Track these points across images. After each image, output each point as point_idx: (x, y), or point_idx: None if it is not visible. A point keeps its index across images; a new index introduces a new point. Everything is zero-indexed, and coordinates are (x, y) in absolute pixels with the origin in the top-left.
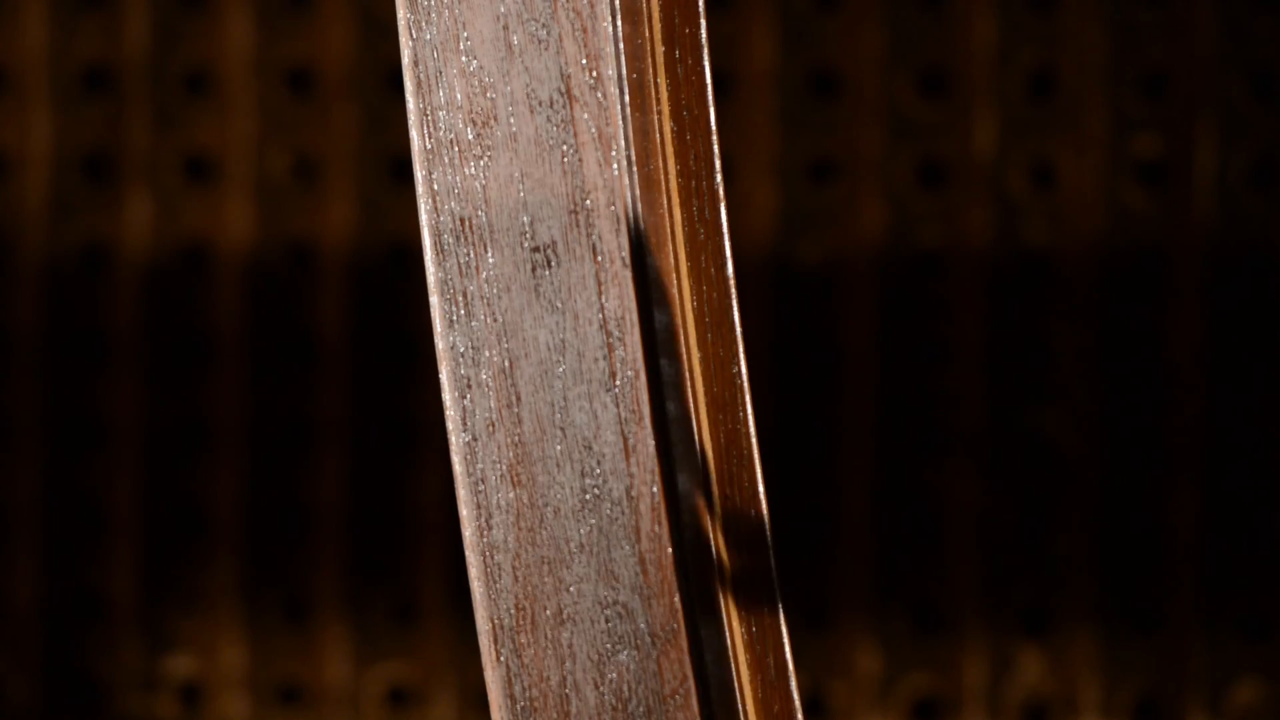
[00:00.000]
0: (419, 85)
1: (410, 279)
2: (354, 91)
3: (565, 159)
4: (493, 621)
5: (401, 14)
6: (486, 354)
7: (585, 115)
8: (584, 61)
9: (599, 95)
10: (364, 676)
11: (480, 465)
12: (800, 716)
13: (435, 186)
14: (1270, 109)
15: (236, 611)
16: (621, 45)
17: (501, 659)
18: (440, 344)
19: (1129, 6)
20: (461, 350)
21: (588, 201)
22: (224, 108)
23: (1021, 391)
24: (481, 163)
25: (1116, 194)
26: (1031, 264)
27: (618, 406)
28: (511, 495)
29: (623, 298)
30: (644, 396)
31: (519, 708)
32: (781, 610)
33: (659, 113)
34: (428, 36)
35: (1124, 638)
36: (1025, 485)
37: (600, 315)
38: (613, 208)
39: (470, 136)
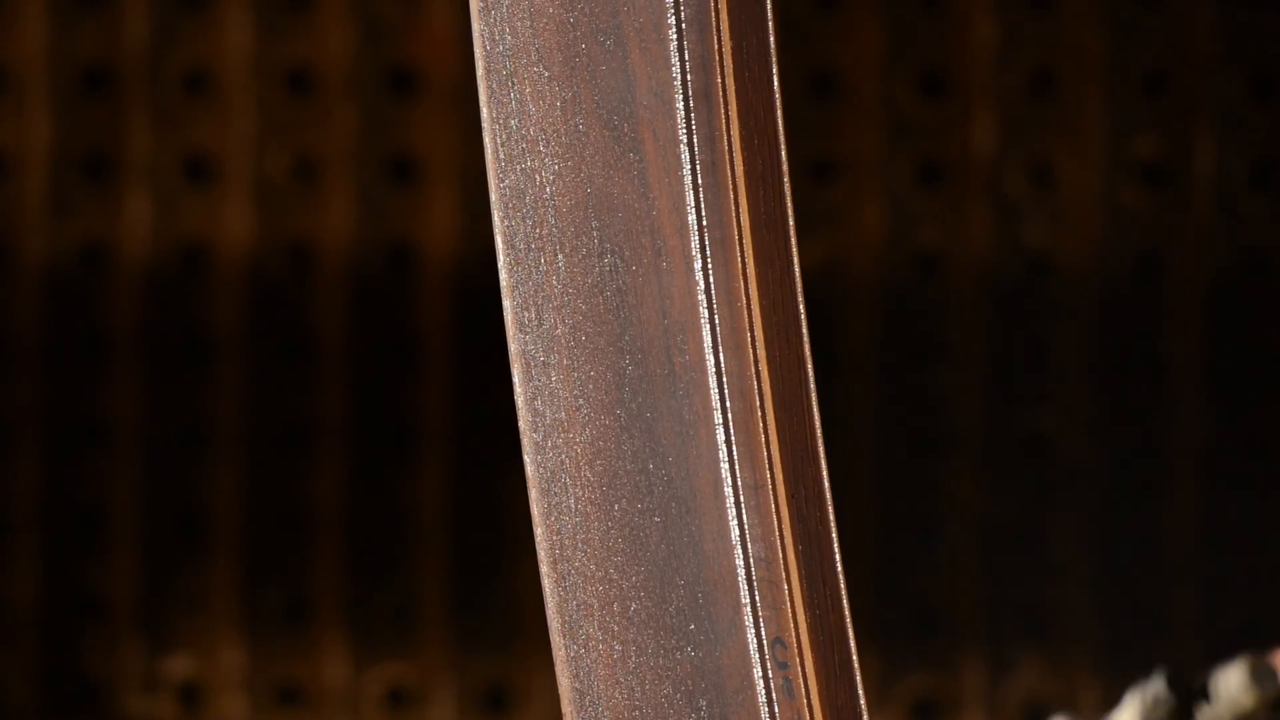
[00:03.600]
0: (491, 95)
1: (409, 279)
2: (354, 92)
3: (633, 167)
4: (562, 616)
5: (476, 25)
6: (556, 357)
7: (651, 123)
8: (650, 70)
9: (664, 103)
10: (363, 677)
11: (550, 463)
12: (865, 711)
13: (507, 194)
14: (1270, 109)
15: (236, 612)
16: (688, 54)
17: (570, 654)
18: (512, 347)
19: (1129, 6)
20: (532, 354)
21: (654, 209)
22: (224, 108)
23: (1021, 391)
24: (552, 171)
25: (1116, 194)
26: (1031, 264)
27: (682, 406)
28: (580, 493)
29: (688, 302)
30: (708, 396)
31: (586, 701)
32: (846, 605)
33: (726, 120)
34: (500, 47)
35: (1123, 638)
36: (1025, 485)
37: (665, 319)
38: (679, 214)
39: (541, 145)
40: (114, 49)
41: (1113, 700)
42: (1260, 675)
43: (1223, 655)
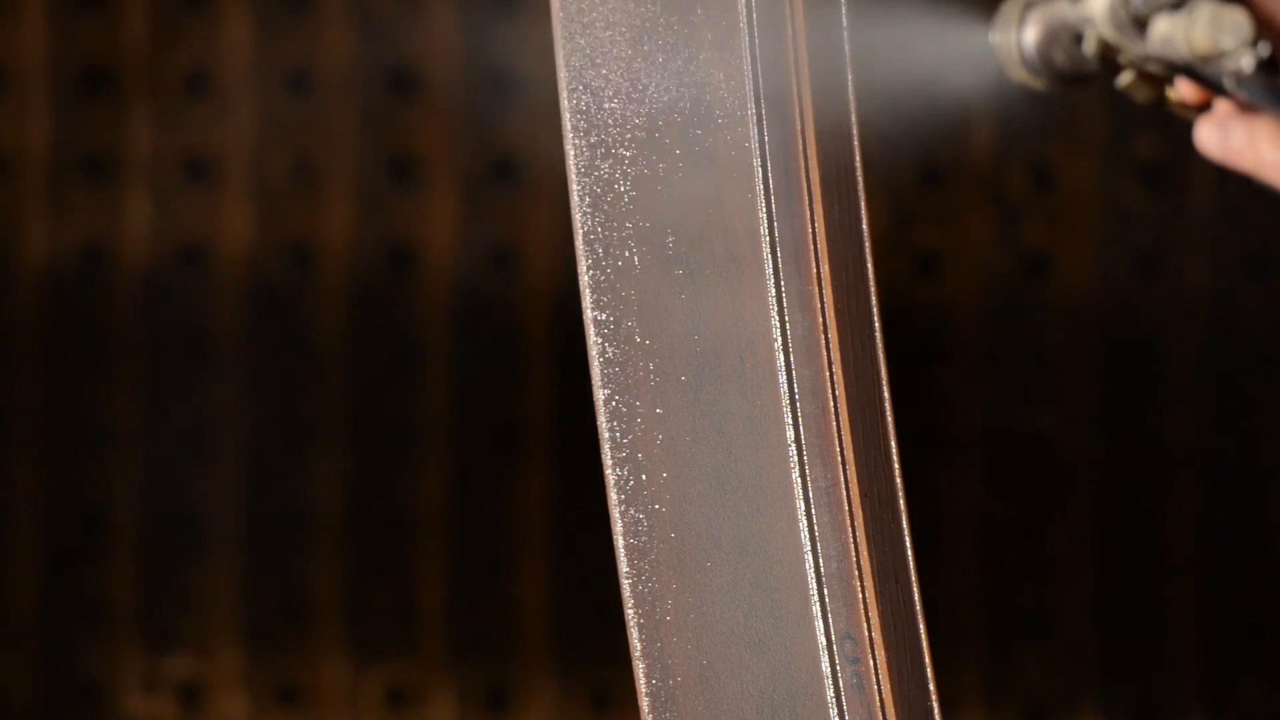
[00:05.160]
0: (571, 103)
1: (409, 279)
2: (354, 92)
3: (706, 175)
4: (639, 615)
5: (557, 30)
6: (633, 355)
7: (725, 127)
8: (723, 77)
9: (737, 112)
10: (363, 677)
11: (627, 465)
12: (936, 706)
13: (586, 199)
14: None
15: (236, 612)
16: (760, 64)
17: (647, 651)
18: (591, 349)
19: None
20: (610, 355)
21: (726, 215)
22: (224, 108)
23: (1021, 391)
24: (629, 176)
25: (1116, 194)
26: (1031, 264)
27: (753, 408)
28: (655, 489)
29: (759, 305)
30: (778, 398)
31: (661, 697)
32: (919, 600)
33: (802, 128)
34: (577, 57)
35: (1123, 638)
36: (1025, 485)
37: (737, 322)
38: (750, 221)
39: (619, 150)
40: (114, 49)
41: (1112, 700)
42: (1225, 27)
43: (1223, 656)
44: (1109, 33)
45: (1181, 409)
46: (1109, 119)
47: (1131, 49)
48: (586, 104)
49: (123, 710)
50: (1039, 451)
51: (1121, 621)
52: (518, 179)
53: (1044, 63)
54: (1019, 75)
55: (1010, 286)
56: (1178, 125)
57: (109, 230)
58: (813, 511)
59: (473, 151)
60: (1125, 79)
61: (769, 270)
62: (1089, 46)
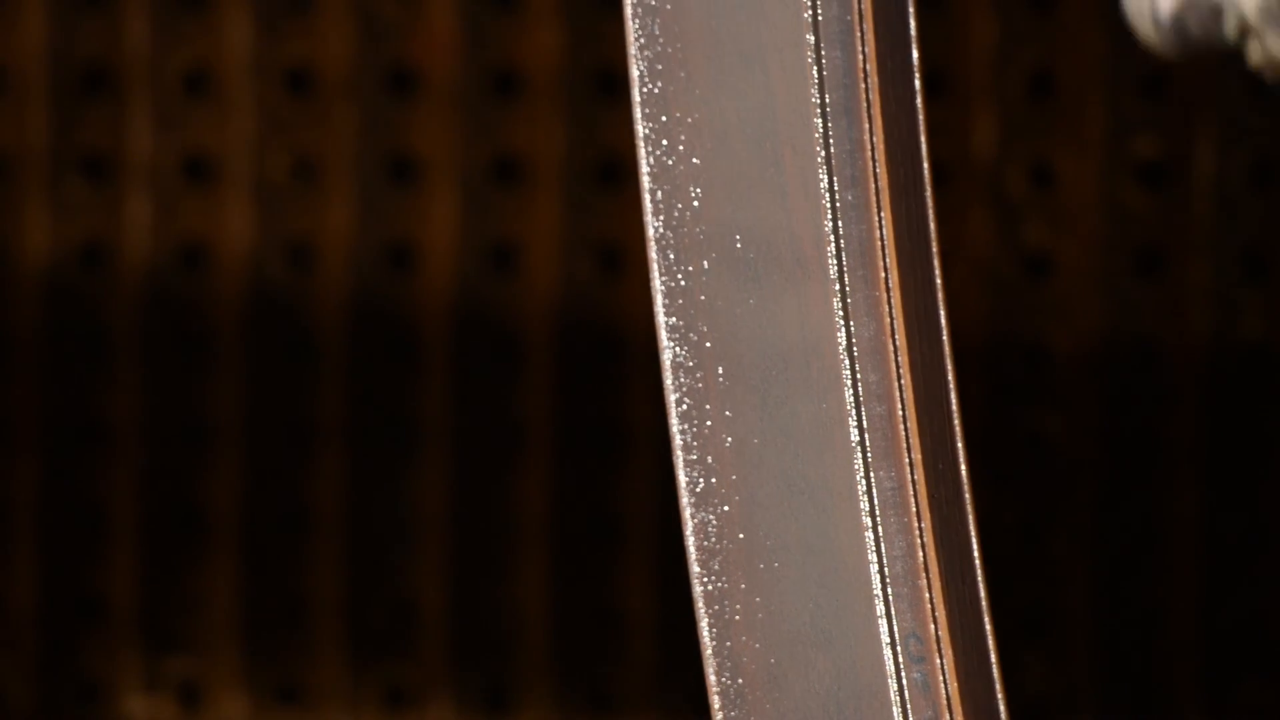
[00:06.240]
0: (644, 112)
1: (409, 279)
2: (354, 92)
3: (773, 181)
4: (709, 613)
5: (630, 41)
6: (701, 363)
7: (791, 139)
8: (788, 87)
9: (802, 119)
10: (363, 677)
11: (695, 459)
12: (1003, 707)
13: (660, 205)
14: (1270, 109)
15: (236, 612)
16: (827, 72)
17: (717, 650)
18: (664, 353)
19: None
20: (681, 360)
21: (792, 221)
22: (224, 108)
23: (1021, 392)
24: (700, 182)
25: (1116, 194)
26: (1031, 264)
27: (819, 411)
28: (725, 491)
29: (824, 310)
30: (843, 401)
31: (730, 695)
32: (985, 602)
33: (870, 135)
34: (645, 64)
35: (1123, 638)
36: (1025, 485)
37: (803, 327)
38: (815, 226)
39: (691, 158)
40: (114, 49)
41: (1112, 700)
42: None
43: (1222, 656)
44: (1255, 21)
45: (1182, 409)
46: (1109, 119)
47: (1273, 44)
48: (667, 121)
49: (123, 710)
50: (1039, 451)
51: (1121, 621)
52: (518, 179)
53: (1176, 30)
54: (1146, 34)
55: (1009, 287)
56: (1178, 125)
57: (109, 230)
58: (878, 512)
59: (473, 151)
60: (1257, 58)
61: (834, 275)
62: (1229, 26)
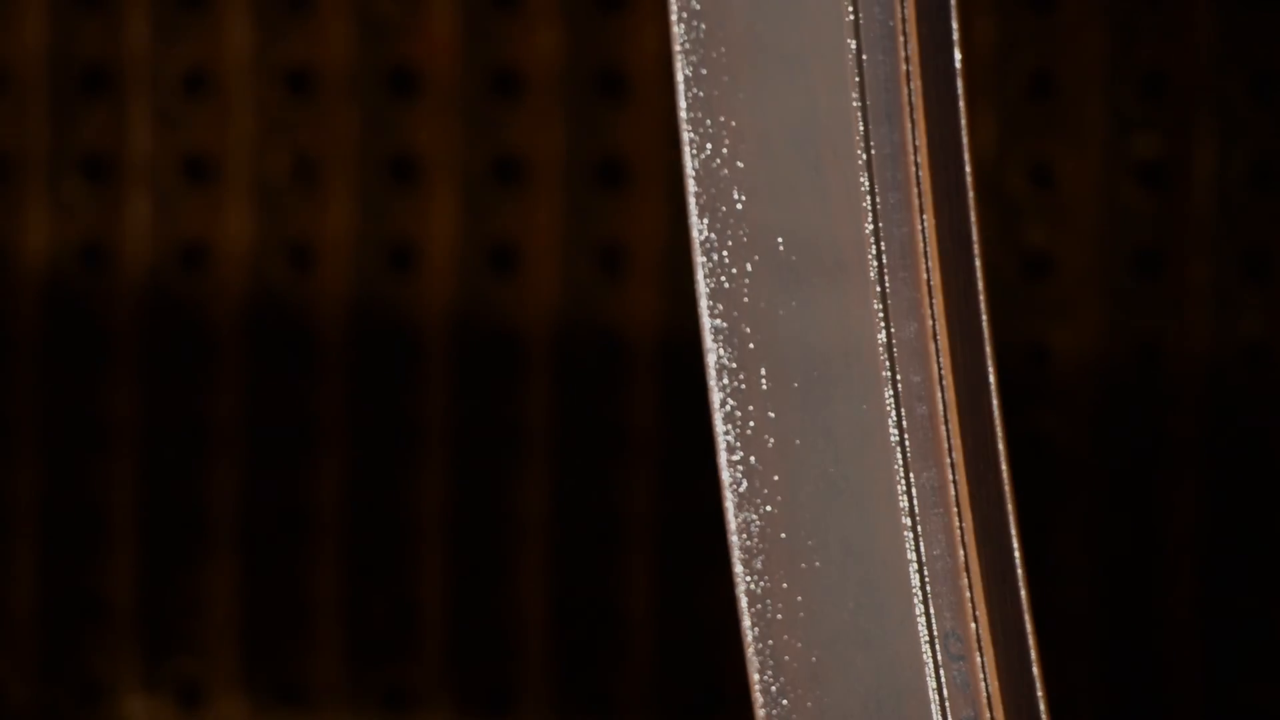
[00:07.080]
0: (690, 116)
1: (409, 279)
2: (354, 92)
3: (813, 183)
4: (752, 617)
5: (675, 46)
6: (744, 364)
7: (831, 142)
8: (827, 90)
9: (842, 122)
10: (363, 677)
11: (738, 460)
12: (1044, 707)
13: (705, 208)
14: (1270, 109)
15: (236, 612)
16: (868, 75)
17: (759, 649)
18: (708, 355)
19: (1129, 6)
20: (724, 361)
21: (833, 224)
22: (224, 108)
23: (1021, 392)
24: (743, 186)
25: (1116, 194)
26: (1031, 264)
27: (859, 412)
28: (767, 492)
29: (864, 311)
30: (882, 401)
31: (771, 693)
32: (1026, 602)
33: (913, 138)
34: (690, 68)
35: (1123, 637)
36: (1025, 485)
37: (843, 328)
38: (855, 229)
39: (735, 161)
40: (114, 49)
41: (1111, 700)
42: None
43: (1222, 655)
44: None
45: (1182, 409)
46: (1109, 119)
47: None
48: (711, 125)
49: (123, 711)
50: (1039, 451)
51: (1121, 621)
52: (519, 179)
53: None
54: None
55: (1009, 287)
56: (1178, 125)
57: (109, 230)
58: (918, 512)
59: (473, 152)
60: None
61: (874, 277)
62: None
